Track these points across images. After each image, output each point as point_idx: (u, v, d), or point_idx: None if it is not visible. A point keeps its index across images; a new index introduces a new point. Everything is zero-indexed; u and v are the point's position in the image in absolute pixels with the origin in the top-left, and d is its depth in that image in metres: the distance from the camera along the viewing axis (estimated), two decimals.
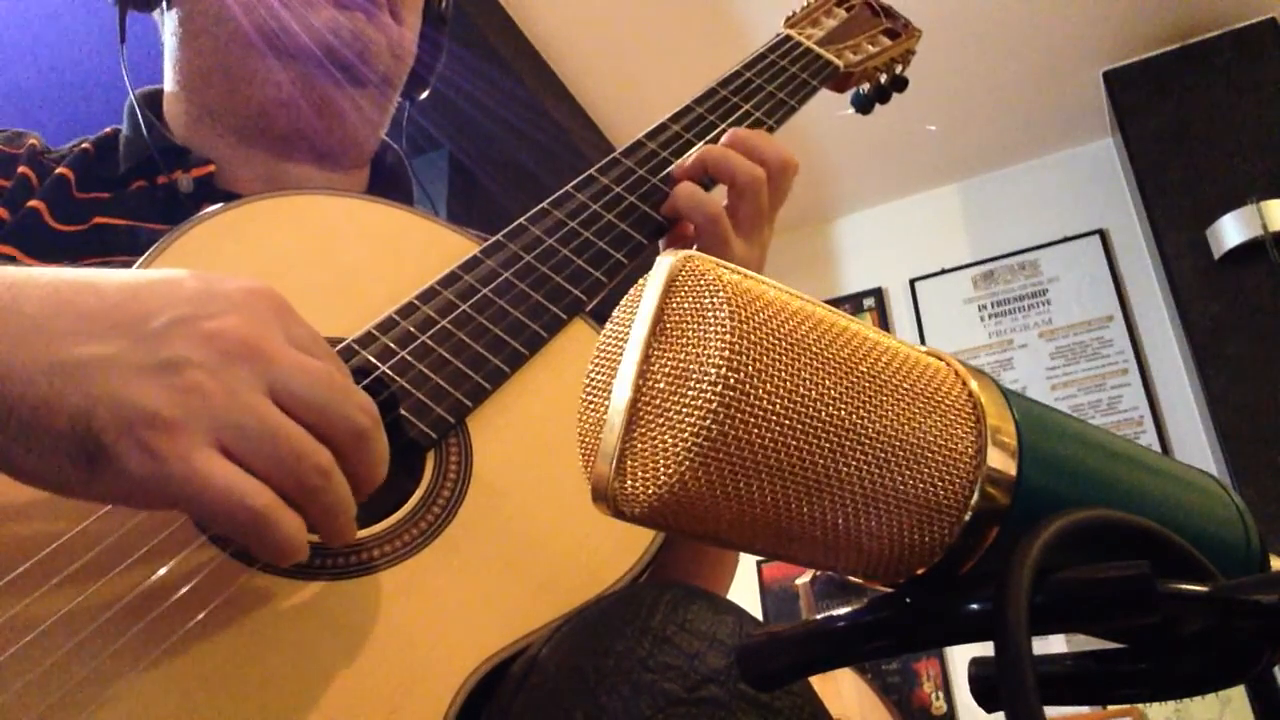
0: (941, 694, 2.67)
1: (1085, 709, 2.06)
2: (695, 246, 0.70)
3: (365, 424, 0.43)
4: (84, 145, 0.74)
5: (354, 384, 0.44)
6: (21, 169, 0.69)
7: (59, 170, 0.70)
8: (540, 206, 0.69)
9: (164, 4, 0.76)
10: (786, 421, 0.26)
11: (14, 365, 0.38)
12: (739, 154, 0.71)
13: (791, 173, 0.73)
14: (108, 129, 0.77)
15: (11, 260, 0.63)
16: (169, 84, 0.78)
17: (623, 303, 0.30)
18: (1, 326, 0.39)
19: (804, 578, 2.56)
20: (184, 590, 0.43)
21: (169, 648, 0.42)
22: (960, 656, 2.67)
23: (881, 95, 0.93)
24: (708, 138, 0.76)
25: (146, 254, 0.56)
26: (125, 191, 0.71)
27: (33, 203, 0.67)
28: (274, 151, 0.76)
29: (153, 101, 0.79)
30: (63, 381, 0.38)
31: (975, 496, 0.28)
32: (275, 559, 0.41)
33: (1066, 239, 2.99)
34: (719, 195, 0.72)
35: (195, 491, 0.38)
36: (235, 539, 0.40)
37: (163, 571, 0.44)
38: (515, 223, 0.68)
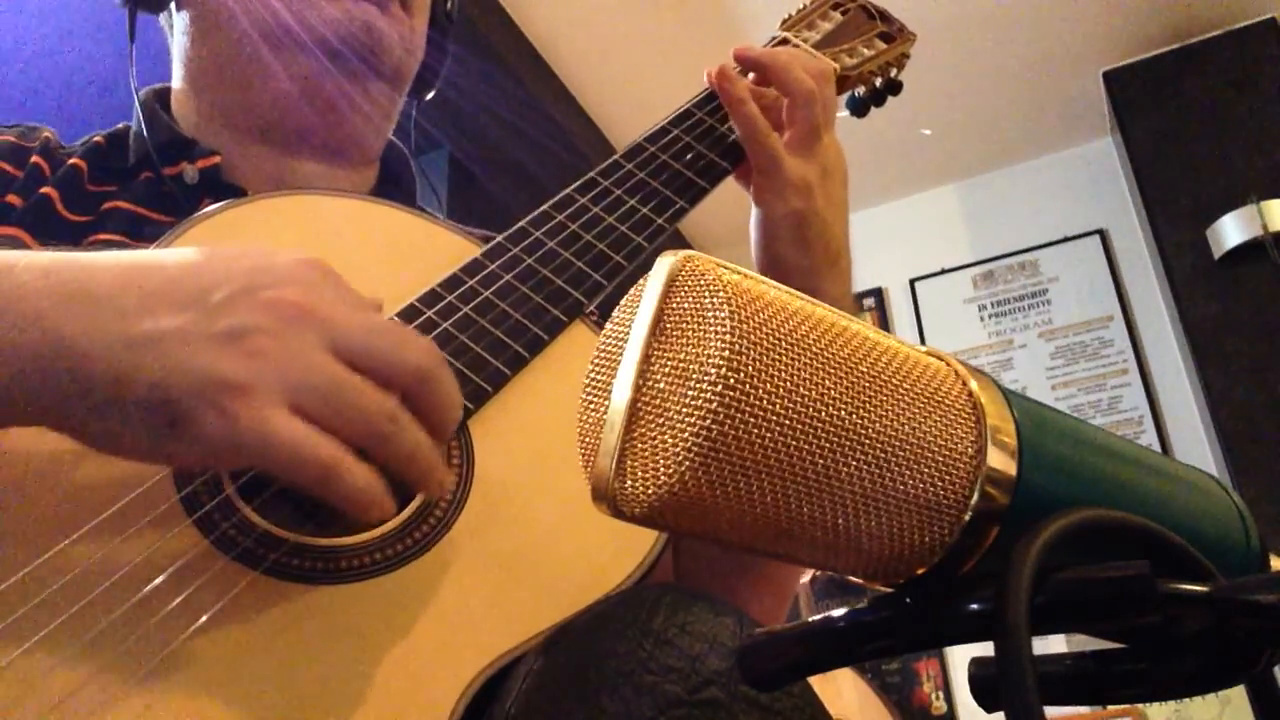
0: (941, 694, 2.67)
1: (1085, 709, 2.06)
2: (754, 169, 0.75)
3: (427, 364, 0.45)
4: (96, 139, 0.75)
5: (412, 330, 0.45)
6: (35, 159, 0.70)
7: (72, 161, 0.70)
8: (541, 209, 0.69)
9: (174, 4, 0.77)
10: (787, 421, 0.26)
11: (94, 342, 0.41)
12: (799, 67, 0.76)
13: (831, 80, 0.79)
14: (120, 124, 0.77)
15: (18, 243, 0.63)
16: (177, 81, 0.79)
17: (623, 303, 0.30)
18: (79, 307, 0.42)
19: (804, 578, 2.56)
20: (186, 594, 0.43)
21: (171, 652, 0.42)
22: (960, 656, 2.66)
23: (876, 99, 0.94)
24: (708, 140, 0.76)
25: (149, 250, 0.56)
26: (133, 183, 0.72)
27: (45, 189, 0.67)
28: (282, 148, 0.76)
29: (161, 98, 0.79)
30: (140, 354, 0.41)
31: (975, 496, 0.28)
32: (355, 511, 0.43)
33: (1066, 239, 2.99)
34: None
35: (265, 448, 0.40)
36: (312, 492, 0.42)
37: (164, 576, 0.44)
38: (516, 225, 0.68)
